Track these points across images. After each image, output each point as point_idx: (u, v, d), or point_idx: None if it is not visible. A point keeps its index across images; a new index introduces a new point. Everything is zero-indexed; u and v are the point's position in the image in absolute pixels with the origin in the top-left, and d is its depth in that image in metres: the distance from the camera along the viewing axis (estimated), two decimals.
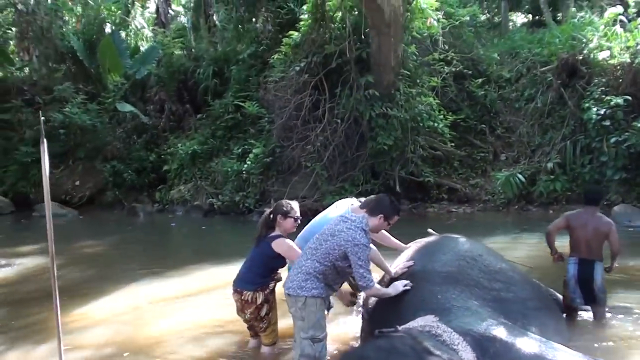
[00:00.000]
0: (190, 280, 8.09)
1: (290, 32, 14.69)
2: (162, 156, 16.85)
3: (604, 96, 13.19)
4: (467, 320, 4.34)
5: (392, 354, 3.81)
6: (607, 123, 12.86)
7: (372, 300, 5.12)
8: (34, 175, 16.58)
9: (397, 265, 5.19)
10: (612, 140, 12.68)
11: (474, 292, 4.71)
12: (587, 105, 13.35)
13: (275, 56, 15.05)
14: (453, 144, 14.87)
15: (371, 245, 4.77)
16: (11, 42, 21.84)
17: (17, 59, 21.82)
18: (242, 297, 5.15)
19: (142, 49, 20.43)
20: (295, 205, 5.39)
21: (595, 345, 5.10)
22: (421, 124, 13.85)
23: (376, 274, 4.88)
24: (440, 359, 3.87)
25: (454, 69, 15.53)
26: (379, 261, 5.04)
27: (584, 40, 14.44)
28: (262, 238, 5.20)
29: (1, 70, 19.60)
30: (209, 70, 17.53)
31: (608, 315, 5.97)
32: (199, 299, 7.10)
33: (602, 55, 14.11)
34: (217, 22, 20.20)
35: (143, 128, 17.65)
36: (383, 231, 5.33)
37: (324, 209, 11.83)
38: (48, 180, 4.88)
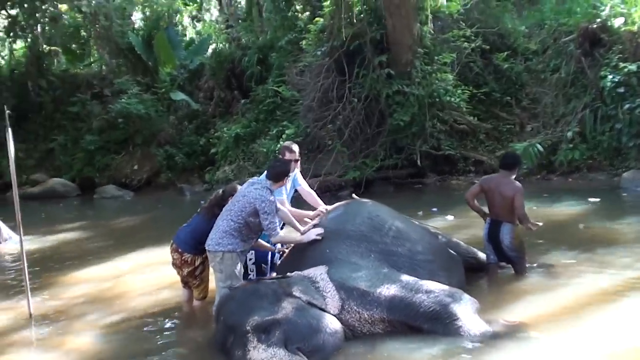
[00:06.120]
0: None
1: (316, 18, 15.49)
2: (211, 140, 17.97)
3: (620, 63, 13.18)
4: (343, 270, 5.04)
5: (253, 295, 4.64)
6: (622, 90, 12.90)
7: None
8: (98, 161, 18.35)
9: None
10: (626, 106, 12.72)
11: (362, 245, 5.35)
12: (603, 73, 13.39)
13: (304, 42, 15.91)
14: (477, 117, 15.19)
15: (280, 206, 5.62)
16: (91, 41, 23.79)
17: (96, 55, 23.80)
18: (182, 257, 5.84)
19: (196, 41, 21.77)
20: None
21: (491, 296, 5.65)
22: (437, 100, 14.28)
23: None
24: (297, 300, 4.67)
25: (477, 44, 15.80)
26: (289, 220, 5.74)
27: (602, 8, 14.40)
28: (214, 216, 5.74)
29: (72, 67, 21.58)
30: (254, 58, 18.45)
31: (531, 270, 6.50)
32: None
33: (618, 22, 14.05)
34: (263, 11, 21.19)
35: (194, 114, 18.92)
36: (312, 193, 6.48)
37: (345, 184, 13.57)
38: (14, 164, 6.11)
